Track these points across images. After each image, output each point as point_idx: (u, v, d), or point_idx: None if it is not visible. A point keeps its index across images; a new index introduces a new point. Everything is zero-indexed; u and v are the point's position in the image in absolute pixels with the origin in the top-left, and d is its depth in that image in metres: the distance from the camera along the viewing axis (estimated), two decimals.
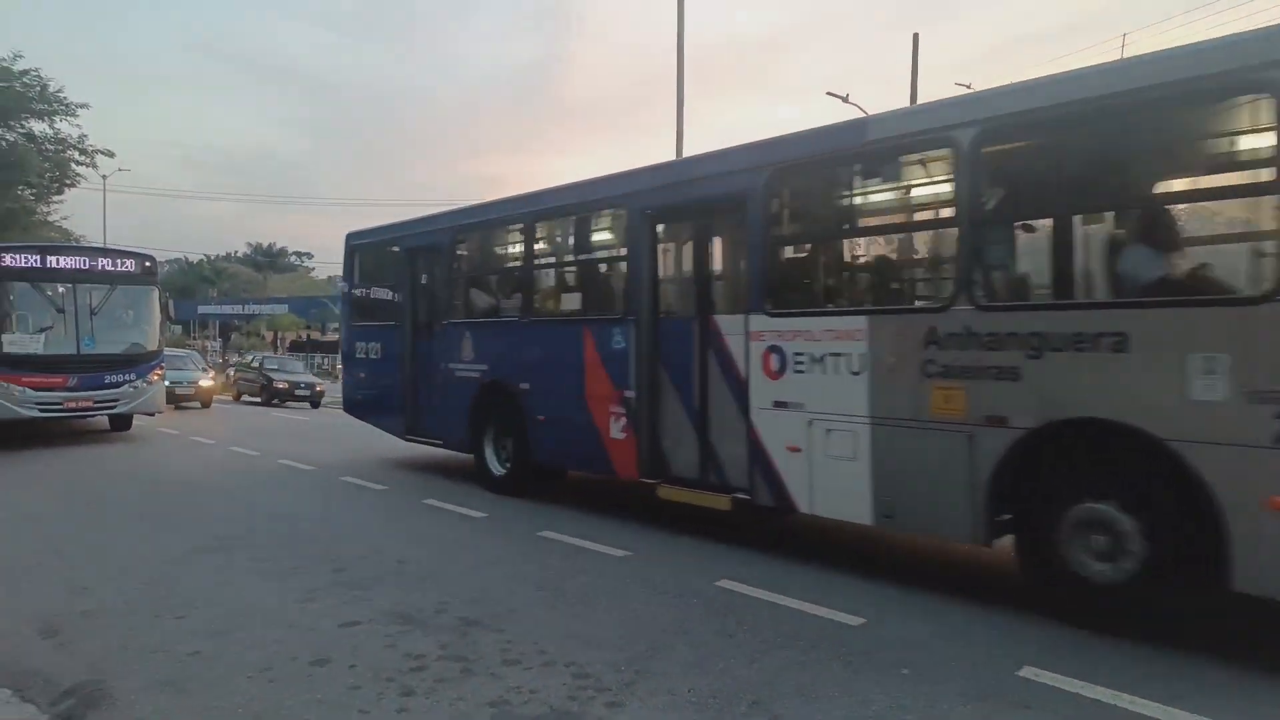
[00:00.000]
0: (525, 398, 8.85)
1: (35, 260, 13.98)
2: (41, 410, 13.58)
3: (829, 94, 25.52)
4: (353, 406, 12.37)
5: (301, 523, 8.18)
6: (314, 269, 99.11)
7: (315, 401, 25.75)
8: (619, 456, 7.87)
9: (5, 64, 26.54)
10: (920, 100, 23.27)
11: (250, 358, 32.50)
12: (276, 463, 12.22)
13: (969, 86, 14.78)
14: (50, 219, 34.13)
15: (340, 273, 12.63)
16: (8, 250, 14.11)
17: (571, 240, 9.19)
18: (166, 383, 20.60)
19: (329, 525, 8.16)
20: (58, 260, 14.30)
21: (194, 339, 58.20)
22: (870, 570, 6.34)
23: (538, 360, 8.79)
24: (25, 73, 26.87)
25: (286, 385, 26.02)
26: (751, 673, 4.35)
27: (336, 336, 47.68)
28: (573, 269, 9.20)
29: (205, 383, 23.65)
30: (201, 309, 65.13)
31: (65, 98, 27.81)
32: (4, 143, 27.65)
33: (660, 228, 7.79)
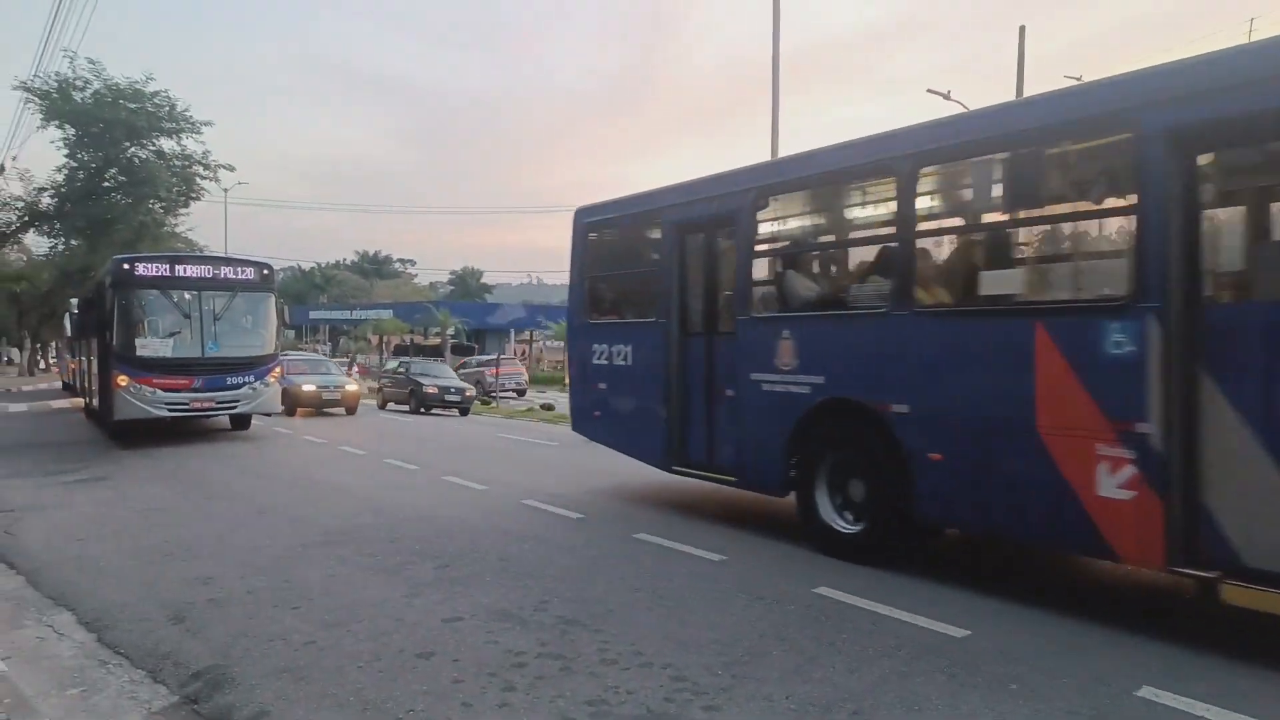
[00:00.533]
0: (902, 425, 6.28)
1: (164, 270, 14.85)
2: (170, 410, 14.39)
3: (929, 91, 24.81)
4: (587, 425, 10.04)
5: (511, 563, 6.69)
6: (416, 275, 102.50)
7: (465, 409, 24.00)
8: (1117, 528, 5.06)
9: (138, 86, 28.38)
10: (1024, 93, 22.54)
11: (396, 363, 31.41)
12: (441, 479, 10.96)
13: (1079, 78, 14.13)
14: (177, 230, 36.36)
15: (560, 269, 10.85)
16: (140, 261, 14.97)
17: (1011, 186, 6.06)
18: (312, 387, 21.22)
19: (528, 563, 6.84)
20: (185, 269, 15.11)
21: (306, 343, 60.97)
22: (973, 581, 6.15)
23: (929, 371, 6.12)
24: (156, 94, 28.62)
25: (435, 390, 24.10)
26: (852, 681, 4.28)
27: (438, 340, 49.21)
28: (1014, 228, 6.24)
29: (351, 387, 22.70)
30: (313, 314, 68.28)
31: (191, 116, 29.53)
32: (137, 160, 29.48)
33: (1213, 160, 5.05)
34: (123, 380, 14.10)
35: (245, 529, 8.01)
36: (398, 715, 3.91)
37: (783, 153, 16.47)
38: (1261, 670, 4.41)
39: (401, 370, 27.10)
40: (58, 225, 32.57)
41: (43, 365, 54.16)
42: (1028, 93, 22.72)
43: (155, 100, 28.70)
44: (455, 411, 23.99)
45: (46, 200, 31.10)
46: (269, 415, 16.72)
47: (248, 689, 4.22)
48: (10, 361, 52.32)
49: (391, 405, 25.68)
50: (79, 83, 27.94)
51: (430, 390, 24.06)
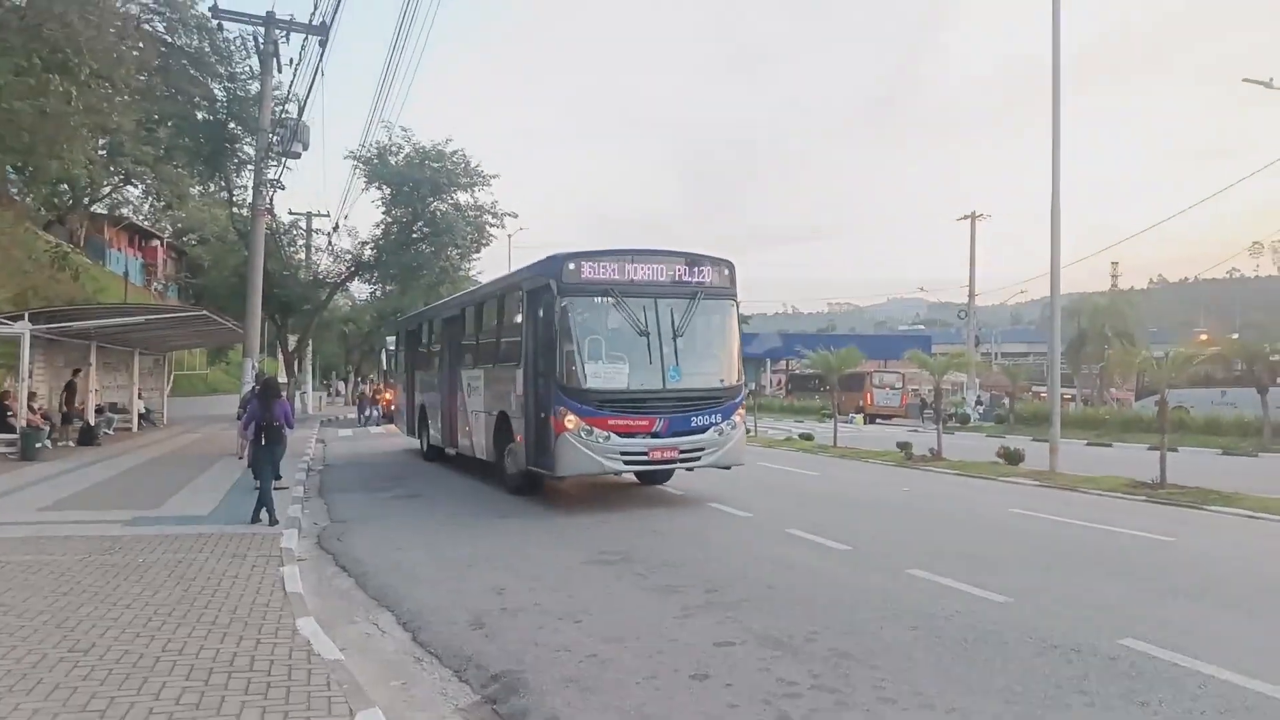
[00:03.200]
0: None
1: (614, 269, 11.18)
2: (626, 461, 10.85)
3: (1246, 80, 21.74)
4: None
5: None
6: None
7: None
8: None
9: (440, 148, 32.12)
10: None
11: None
12: (706, 505, 11.21)
13: None
14: (472, 274, 40.40)
15: None
16: (586, 259, 11.18)
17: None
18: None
19: None
20: (637, 268, 11.38)
21: None
22: None
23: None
24: (454, 153, 32.30)
25: None
26: None
27: None
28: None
29: None
30: None
31: (482, 170, 32.88)
32: (438, 213, 33.25)
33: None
34: (571, 422, 10.49)
35: (534, 544, 8.66)
36: None
37: (1065, 157, 15.21)
38: None
39: None
40: (375, 273, 37.43)
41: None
42: None
43: (453, 159, 32.24)
44: None
45: (368, 252, 35.85)
46: (726, 469, 12.04)
47: (539, 694, 4.54)
48: (337, 393, 60.34)
49: None
50: (394, 149, 32.11)
51: None
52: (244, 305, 21.12)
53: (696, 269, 11.62)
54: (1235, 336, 46.12)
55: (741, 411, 11.77)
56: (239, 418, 14.11)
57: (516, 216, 35.87)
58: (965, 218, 39.36)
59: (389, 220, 34.31)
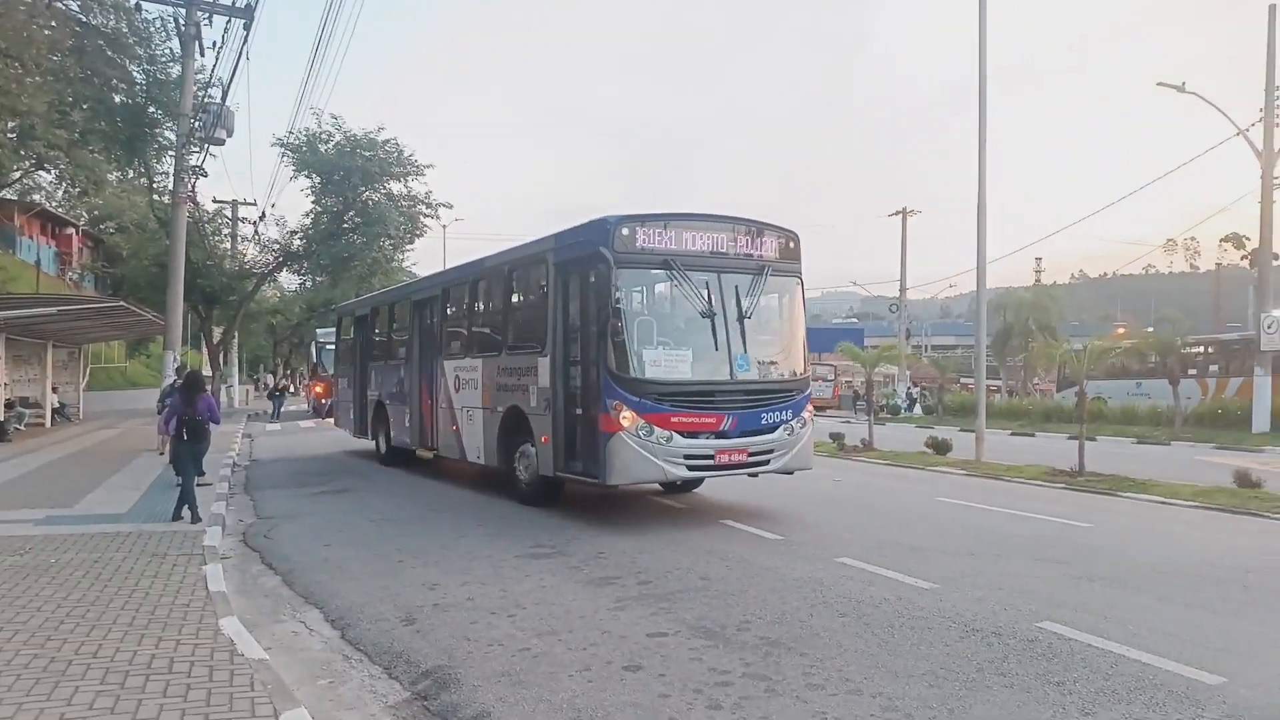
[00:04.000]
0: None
1: (672, 238, 9.31)
2: (690, 466, 9.23)
3: (1160, 84, 22.66)
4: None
5: None
6: None
7: None
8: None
9: (372, 136, 31.44)
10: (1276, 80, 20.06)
11: None
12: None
13: None
14: (404, 265, 39.71)
15: None
16: (640, 223, 9.21)
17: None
18: None
19: None
20: (697, 238, 9.49)
21: None
22: (1219, 620, 5.50)
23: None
24: (386, 142, 31.64)
25: None
26: None
27: None
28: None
29: None
30: None
31: (416, 160, 32.31)
32: (370, 202, 32.57)
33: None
34: (627, 419, 8.74)
35: (468, 539, 8.56)
36: None
37: (993, 157, 15.65)
38: None
39: None
40: (305, 264, 36.52)
41: (291, 389, 60.40)
42: None
43: (386, 148, 31.63)
44: None
45: (297, 242, 34.95)
46: (790, 474, 10.20)
47: (470, 689, 4.50)
48: (265, 386, 58.70)
49: None
50: (324, 135, 31.33)
51: None
52: (165, 296, 20.36)
53: (761, 239, 9.90)
54: (1150, 330, 48.19)
55: (810, 408, 10.19)
56: (159, 412, 13.66)
57: (451, 207, 35.54)
58: (896, 214, 40.12)
59: (319, 210, 33.54)
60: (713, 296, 9.30)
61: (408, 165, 32.20)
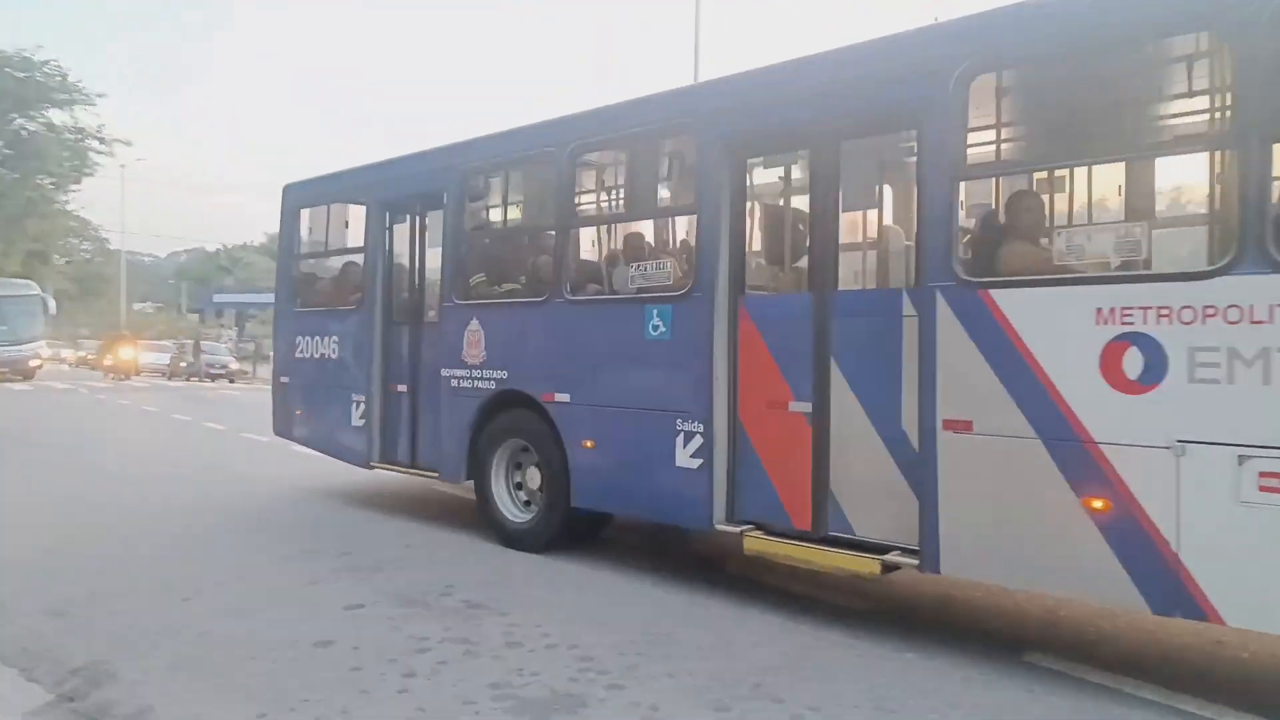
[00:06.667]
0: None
1: None
2: None
3: None
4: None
5: None
6: None
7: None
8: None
9: (26, 54, 26.81)
10: None
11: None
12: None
13: None
14: (69, 207, 34.53)
15: None
16: None
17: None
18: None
19: None
20: None
21: (210, 327, 58.78)
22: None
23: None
24: (45, 63, 27.17)
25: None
26: (759, 655, 4.36)
27: None
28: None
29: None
30: (217, 298, 65.76)
31: (84, 87, 28.12)
32: (25, 132, 27.92)
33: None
34: None
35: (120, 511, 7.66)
36: (291, 706, 3.78)
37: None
38: None
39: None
40: None
41: None
42: None
43: (45, 70, 27.23)
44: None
45: None
46: None
47: (129, 684, 4.01)
48: None
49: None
50: None
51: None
52: None
53: None
54: None
55: None
56: None
57: (131, 145, 31.46)
58: None
59: None
60: None
61: (73, 92, 27.97)
